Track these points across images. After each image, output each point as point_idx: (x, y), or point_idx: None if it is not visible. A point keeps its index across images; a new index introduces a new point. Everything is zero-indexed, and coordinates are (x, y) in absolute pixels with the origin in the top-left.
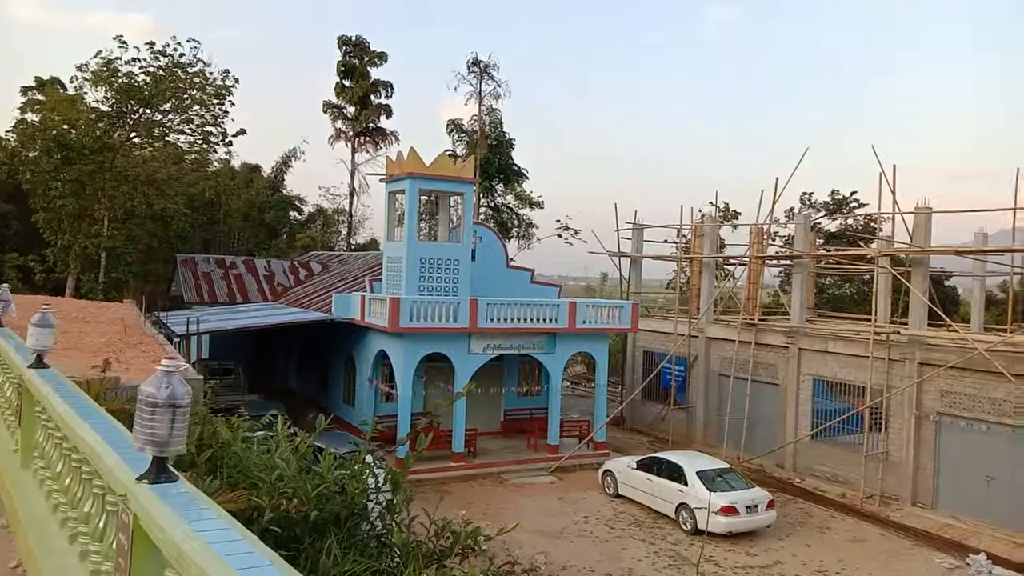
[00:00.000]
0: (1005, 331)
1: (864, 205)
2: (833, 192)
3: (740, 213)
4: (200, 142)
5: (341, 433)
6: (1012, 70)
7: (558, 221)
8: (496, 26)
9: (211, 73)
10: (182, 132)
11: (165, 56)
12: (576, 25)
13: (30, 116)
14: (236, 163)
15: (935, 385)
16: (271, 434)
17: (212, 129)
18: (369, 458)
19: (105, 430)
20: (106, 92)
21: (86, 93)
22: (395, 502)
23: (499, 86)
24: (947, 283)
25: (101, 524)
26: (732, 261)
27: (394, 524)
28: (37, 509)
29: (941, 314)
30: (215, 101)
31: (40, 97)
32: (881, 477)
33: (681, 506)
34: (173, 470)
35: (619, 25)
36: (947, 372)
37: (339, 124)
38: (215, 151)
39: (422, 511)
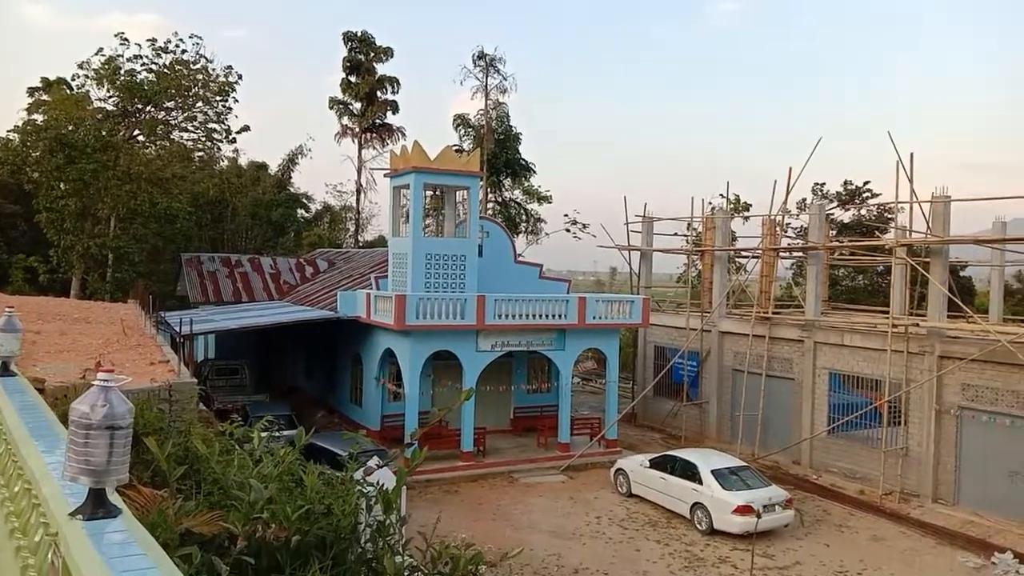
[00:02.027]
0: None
1: (877, 195)
2: (846, 182)
3: (751, 205)
4: (204, 139)
5: (341, 432)
6: (1020, 58)
7: (566, 215)
8: (502, 21)
9: (214, 70)
10: (186, 130)
11: (167, 53)
12: (582, 19)
13: (36, 117)
14: (243, 161)
15: (956, 378)
16: (276, 435)
17: (215, 126)
18: (374, 462)
19: (60, 452)
20: (108, 90)
21: (89, 91)
22: (387, 523)
23: (505, 80)
24: (962, 273)
25: (50, 557)
26: (744, 254)
27: (387, 547)
28: None
29: (962, 305)
30: (218, 98)
31: (46, 98)
32: (901, 473)
33: (696, 505)
34: (115, 502)
35: (625, 18)
36: (968, 365)
37: (345, 120)
38: (220, 149)
39: (417, 533)
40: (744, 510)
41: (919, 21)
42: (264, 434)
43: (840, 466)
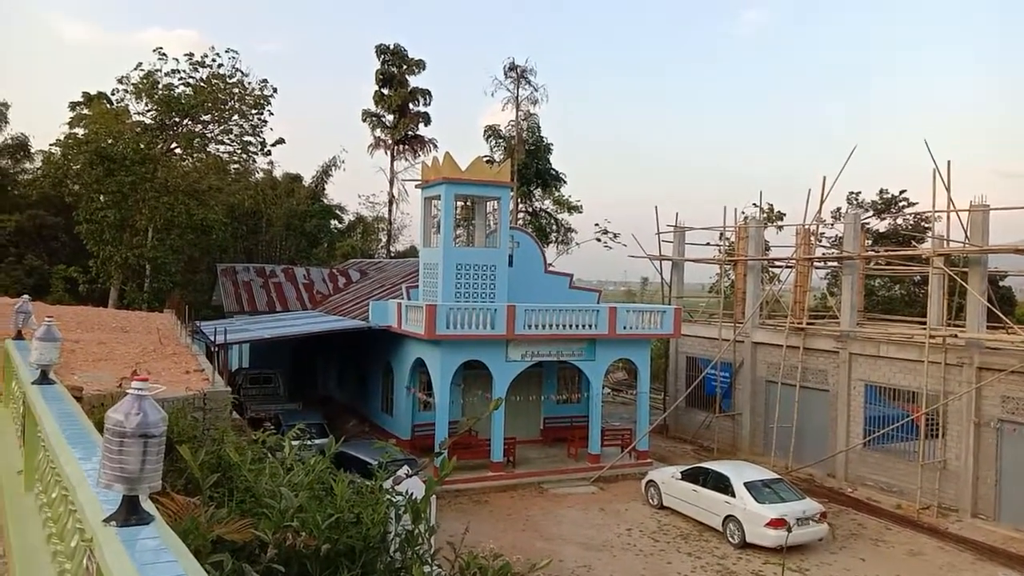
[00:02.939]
0: None
1: (914, 204)
2: (881, 191)
3: (785, 214)
4: (239, 151)
5: (371, 441)
6: None
7: (597, 225)
8: (533, 32)
9: (249, 83)
10: (222, 142)
11: (204, 67)
12: (614, 29)
13: (77, 130)
14: (278, 173)
15: (995, 390)
16: (308, 443)
17: (251, 139)
18: (403, 472)
19: (96, 459)
20: (147, 104)
21: (128, 105)
22: (416, 532)
23: (536, 91)
24: (1002, 283)
25: (84, 562)
26: (778, 263)
27: (415, 557)
28: (32, 538)
29: (1001, 315)
30: (254, 111)
31: (87, 112)
32: (938, 487)
33: (728, 518)
34: (148, 509)
35: (657, 27)
36: (1009, 377)
37: (378, 133)
38: (255, 161)
39: (446, 544)
40: (777, 523)
41: (954, 23)
42: (296, 443)
43: (876, 479)
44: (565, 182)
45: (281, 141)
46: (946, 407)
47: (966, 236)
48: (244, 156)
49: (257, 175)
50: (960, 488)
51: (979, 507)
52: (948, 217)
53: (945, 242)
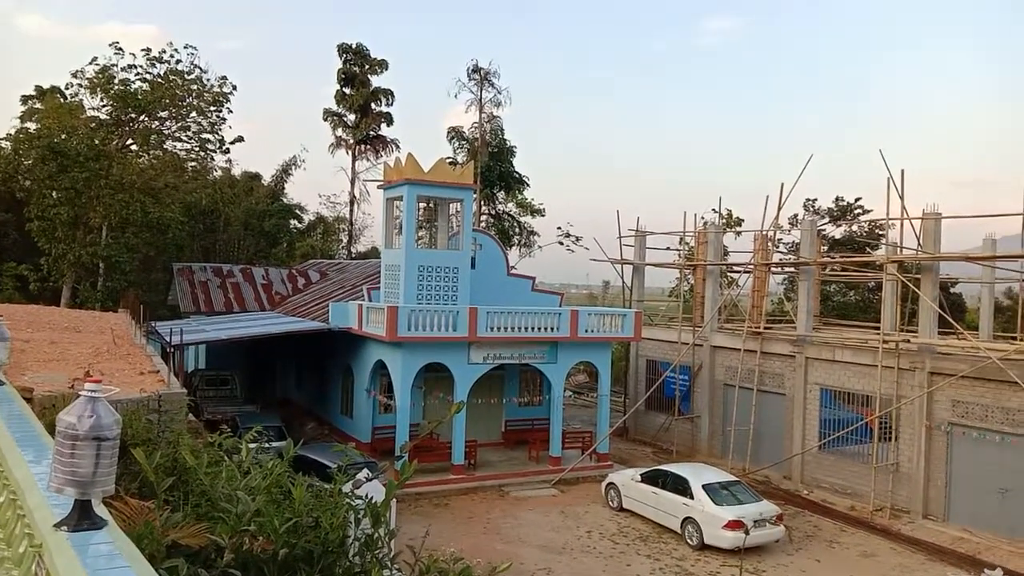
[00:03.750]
0: (1015, 338)
1: (869, 211)
2: (837, 198)
3: (743, 220)
4: (197, 149)
5: (330, 444)
6: (1012, 76)
7: (559, 228)
8: (498, 35)
9: (208, 80)
10: (179, 140)
11: (162, 63)
12: (578, 33)
13: (29, 125)
14: (236, 171)
15: (946, 395)
16: (265, 446)
17: (209, 136)
18: (363, 475)
19: (47, 462)
20: (102, 99)
21: (82, 100)
22: (376, 536)
23: (499, 93)
24: (953, 290)
25: (34, 569)
26: (736, 268)
27: (375, 561)
28: None
29: (952, 322)
30: (212, 108)
31: (39, 106)
32: (891, 489)
33: (687, 520)
34: (101, 514)
35: (620, 34)
36: (959, 381)
37: (339, 132)
38: (213, 159)
39: (406, 547)
40: (735, 525)
41: (914, 38)
42: (253, 445)
43: (831, 481)
44: (528, 185)
45: (240, 139)
46: (899, 411)
47: (919, 244)
48: (202, 154)
49: (215, 173)
50: (912, 490)
51: (930, 508)
52: (902, 225)
53: (899, 249)
